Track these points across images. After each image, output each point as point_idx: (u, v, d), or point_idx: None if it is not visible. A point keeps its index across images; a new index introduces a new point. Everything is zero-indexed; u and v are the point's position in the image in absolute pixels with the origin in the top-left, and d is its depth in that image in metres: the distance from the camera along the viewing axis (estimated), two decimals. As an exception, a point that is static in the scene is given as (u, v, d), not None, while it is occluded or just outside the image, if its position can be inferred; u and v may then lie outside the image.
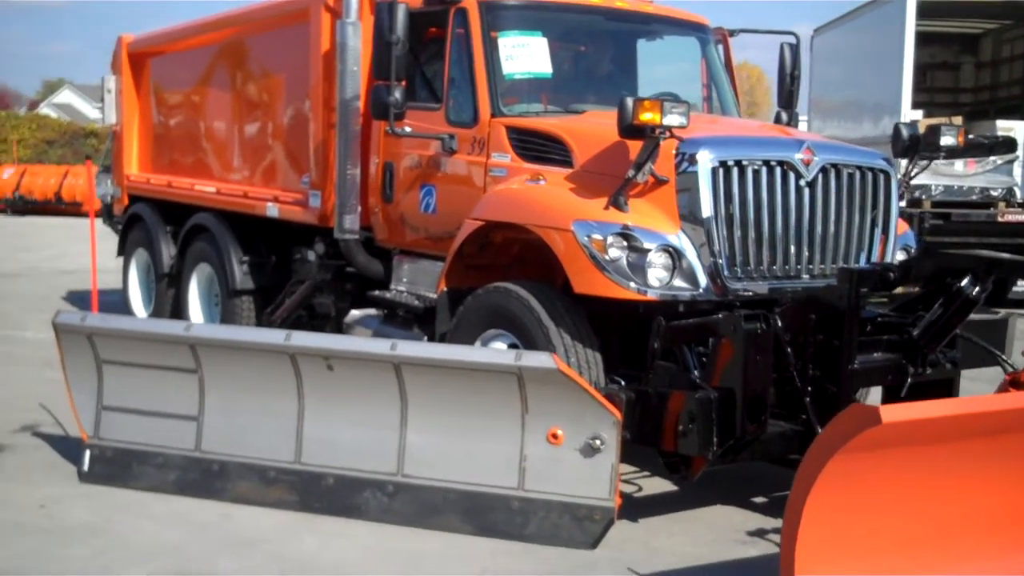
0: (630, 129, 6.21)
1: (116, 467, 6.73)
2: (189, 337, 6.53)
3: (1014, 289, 15.42)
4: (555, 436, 5.73)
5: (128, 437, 6.74)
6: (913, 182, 14.38)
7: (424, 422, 6.05)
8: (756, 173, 6.48)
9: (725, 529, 6.18)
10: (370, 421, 6.15)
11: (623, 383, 5.97)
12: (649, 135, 6.21)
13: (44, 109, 63.36)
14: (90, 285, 14.58)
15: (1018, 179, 15.71)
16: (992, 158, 15.50)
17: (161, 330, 6.89)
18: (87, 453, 6.81)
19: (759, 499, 6.70)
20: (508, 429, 5.83)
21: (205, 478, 6.51)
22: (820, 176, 6.66)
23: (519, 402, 5.76)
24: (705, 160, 6.37)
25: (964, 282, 6.04)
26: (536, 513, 5.83)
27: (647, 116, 6.08)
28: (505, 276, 7.04)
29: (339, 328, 8.53)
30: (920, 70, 17.61)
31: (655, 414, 5.83)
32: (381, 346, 6.10)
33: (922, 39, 16.33)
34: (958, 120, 16.24)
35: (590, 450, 5.65)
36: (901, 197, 7.59)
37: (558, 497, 5.79)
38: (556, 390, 5.65)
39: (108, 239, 13.05)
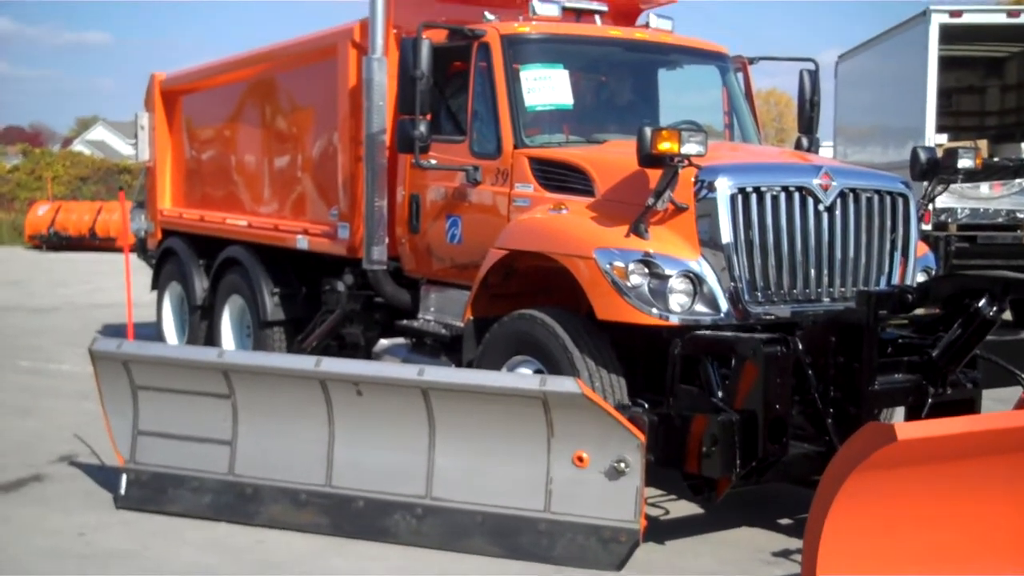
0: (649, 158, 6.32)
1: (152, 491, 6.87)
2: (222, 364, 6.68)
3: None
4: (580, 459, 5.82)
5: (163, 461, 6.88)
6: (939, 205, 14.53)
7: (452, 446, 6.16)
8: (775, 199, 6.59)
9: (750, 550, 6.26)
10: (399, 445, 6.27)
11: (646, 406, 6.06)
12: (668, 163, 6.32)
13: (78, 146, 64.05)
14: (124, 319, 14.81)
15: (1044, 202, 15.70)
16: (1018, 181, 15.49)
17: (195, 357, 7.05)
18: (123, 477, 6.95)
19: (784, 520, 6.77)
20: (534, 452, 5.93)
21: (239, 501, 6.65)
22: (839, 201, 6.76)
23: (544, 426, 5.87)
24: (724, 187, 6.48)
25: (981, 303, 6.11)
26: (563, 535, 5.92)
27: (665, 145, 6.20)
28: (530, 304, 7.16)
29: (368, 357, 8.68)
30: (945, 94, 17.64)
31: (678, 436, 5.92)
32: (409, 372, 6.23)
33: (947, 63, 16.38)
34: (983, 144, 16.25)
35: (615, 473, 5.74)
36: (921, 220, 7.66)
37: (584, 519, 5.87)
38: (581, 414, 5.74)
39: (142, 273, 13.27)
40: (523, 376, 6.11)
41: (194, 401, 6.78)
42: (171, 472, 6.85)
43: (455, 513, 6.15)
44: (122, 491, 6.93)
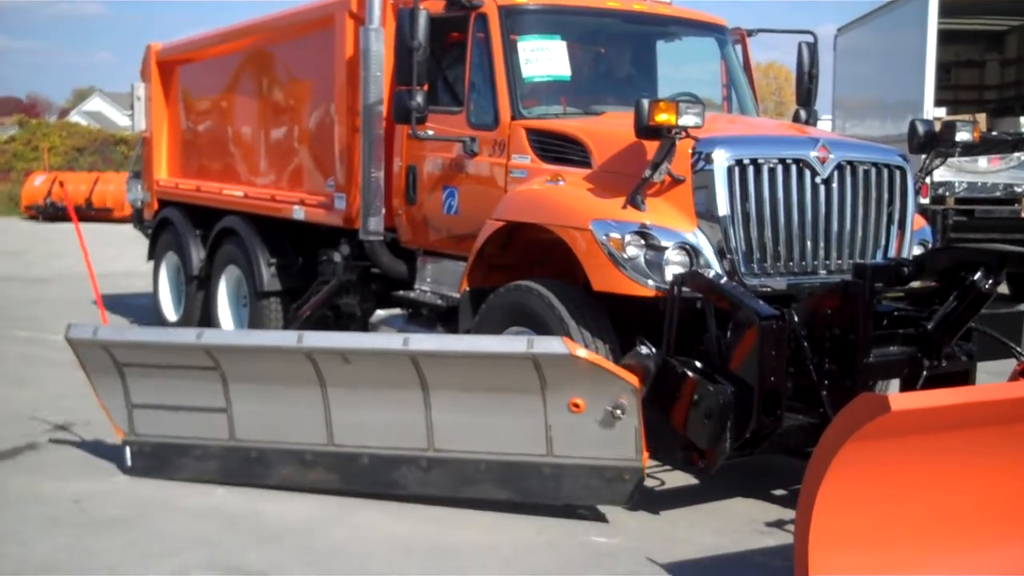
0: (646, 130, 6.32)
1: (157, 460, 6.91)
2: (202, 344, 6.65)
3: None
4: (576, 406, 5.89)
5: (163, 432, 6.90)
6: (937, 179, 14.53)
7: (447, 403, 6.21)
8: (772, 171, 6.58)
9: (744, 520, 6.29)
10: (394, 406, 6.31)
11: (653, 351, 6.02)
12: (665, 135, 6.32)
13: (75, 117, 63.81)
14: (119, 289, 14.84)
15: (1042, 176, 15.71)
16: (1016, 154, 15.50)
17: (174, 340, 6.96)
18: (127, 450, 6.98)
19: (778, 491, 6.80)
20: (530, 403, 5.98)
21: (246, 465, 6.71)
22: (836, 173, 6.75)
23: (537, 380, 5.91)
24: (721, 159, 6.48)
25: (977, 276, 6.13)
26: (568, 476, 6.04)
27: (663, 117, 6.19)
28: (526, 275, 7.16)
29: (365, 328, 8.68)
30: (945, 68, 17.61)
31: (672, 388, 5.95)
32: (394, 342, 6.24)
33: (947, 37, 16.33)
34: (982, 117, 16.24)
35: (612, 418, 5.81)
36: (919, 193, 7.65)
37: (587, 461, 5.97)
38: (572, 368, 5.80)
39: (139, 243, 13.26)
40: (510, 339, 6.12)
41: (182, 374, 6.76)
42: (173, 442, 6.88)
43: (460, 463, 6.25)
44: (128, 463, 6.95)
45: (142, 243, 13.18)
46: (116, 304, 14.47)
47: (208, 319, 10.97)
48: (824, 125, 18.37)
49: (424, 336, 6.40)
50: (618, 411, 5.78)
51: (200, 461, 6.81)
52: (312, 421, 6.51)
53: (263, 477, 6.67)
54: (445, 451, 6.27)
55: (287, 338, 6.59)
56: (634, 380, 5.78)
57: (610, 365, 5.83)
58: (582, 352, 5.80)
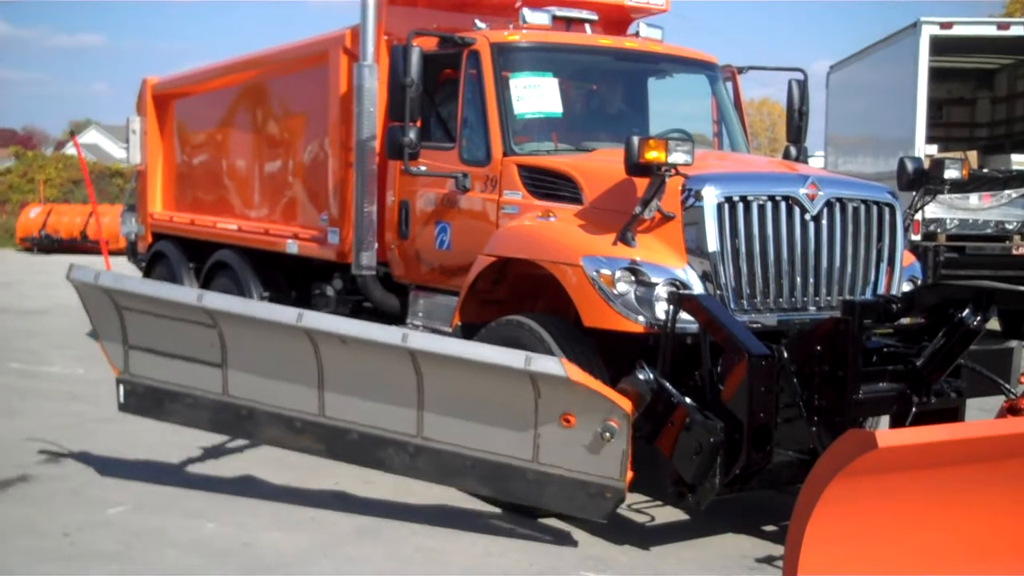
0: (636, 167, 6.37)
1: (149, 402, 7.05)
2: (202, 307, 6.66)
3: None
4: (567, 420, 5.92)
5: (157, 376, 6.99)
6: (928, 216, 14.60)
7: (440, 398, 6.25)
8: (761, 208, 6.63)
9: (734, 556, 6.29)
10: (387, 392, 6.36)
11: (651, 377, 6.02)
12: (655, 172, 6.37)
13: (70, 149, 63.92)
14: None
15: (1033, 213, 15.78)
16: (1007, 192, 15.56)
17: (174, 297, 6.89)
18: (121, 387, 7.13)
19: (769, 527, 6.79)
20: (522, 411, 6.02)
21: (236, 420, 6.83)
22: (825, 210, 6.81)
23: (532, 392, 5.95)
24: (711, 196, 6.53)
25: (965, 312, 6.17)
26: (551, 484, 6.07)
27: (652, 154, 6.25)
28: (518, 311, 7.19)
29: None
30: (936, 105, 17.72)
31: (663, 415, 5.97)
32: (393, 336, 6.22)
33: (938, 75, 16.44)
34: (973, 155, 16.32)
35: (600, 440, 5.83)
36: (909, 230, 7.69)
37: (571, 474, 6.00)
38: (567, 389, 5.84)
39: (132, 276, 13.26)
40: (509, 352, 6.11)
41: (181, 325, 6.82)
42: (166, 388, 6.97)
43: (446, 455, 6.30)
44: (121, 400, 7.09)
45: (136, 276, 13.17)
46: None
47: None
48: (817, 162, 18.48)
49: (424, 335, 6.41)
50: (607, 434, 5.80)
51: (191, 410, 6.91)
52: (305, 392, 6.56)
53: (251, 435, 6.87)
54: (433, 441, 6.31)
55: (288, 315, 6.54)
56: (627, 405, 5.80)
57: (605, 389, 5.85)
58: (578, 376, 5.82)
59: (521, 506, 6.69)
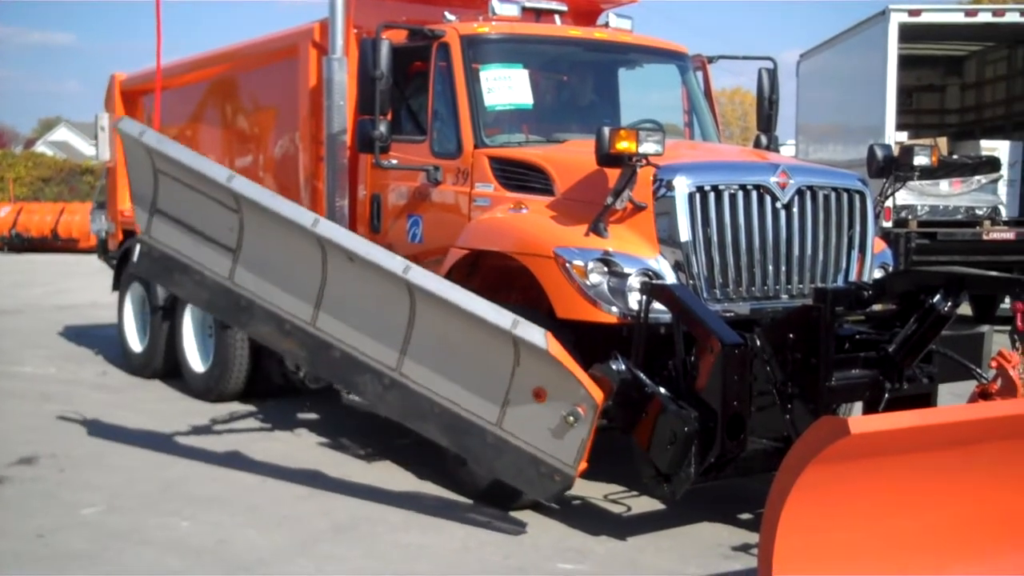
0: (607, 158, 6.38)
1: (159, 268, 7.38)
2: (229, 188, 6.85)
3: (1001, 306, 15.55)
4: (538, 394, 5.95)
5: (173, 244, 7.25)
6: (899, 202, 14.69)
7: (426, 337, 6.34)
8: (732, 197, 6.65)
9: (711, 545, 6.31)
10: (379, 319, 6.49)
11: (623, 368, 6.03)
12: (626, 163, 6.37)
13: (40, 147, 63.54)
14: (88, 320, 14.81)
15: (1003, 198, 15.90)
16: (977, 177, 15.69)
17: (206, 172, 7.03)
18: (138, 248, 7.50)
19: (745, 515, 6.82)
20: (499, 372, 6.06)
21: (234, 309, 7.09)
22: (796, 198, 6.83)
23: (512, 356, 5.98)
24: (682, 185, 6.54)
25: (936, 298, 6.20)
26: (507, 453, 6.13)
27: (623, 145, 6.25)
28: (492, 302, 7.17)
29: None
30: (906, 92, 17.83)
31: (639, 406, 5.98)
32: (396, 265, 6.31)
33: (908, 62, 16.54)
34: (943, 141, 16.43)
35: (564, 422, 5.87)
36: (880, 216, 7.72)
37: (528, 448, 6.05)
38: (545, 362, 5.86)
39: (104, 274, 13.21)
40: (500, 311, 6.11)
41: (207, 201, 7.03)
42: (178, 258, 7.23)
43: (416, 396, 6.41)
44: (135, 259, 7.45)
45: (107, 274, 13.10)
46: (81, 335, 14.41)
47: (173, 350, 10.90)
48: (788, 150, 18.54)
49: (425, 273, 6.41)
50: (571, 418, 5.83)
51: (196, 287, 7.21)
52: (304, 298, 6.73)
53: (244, 325, 7.22)
54: (408, 379, 6.41)
55: (304, 217, 6.66)
56: (599, 395, 5.82)
57: (581, 374, 5.86)
58: (558, 352, 5.83)
59: (493, 496, 6.76)
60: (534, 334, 5.85)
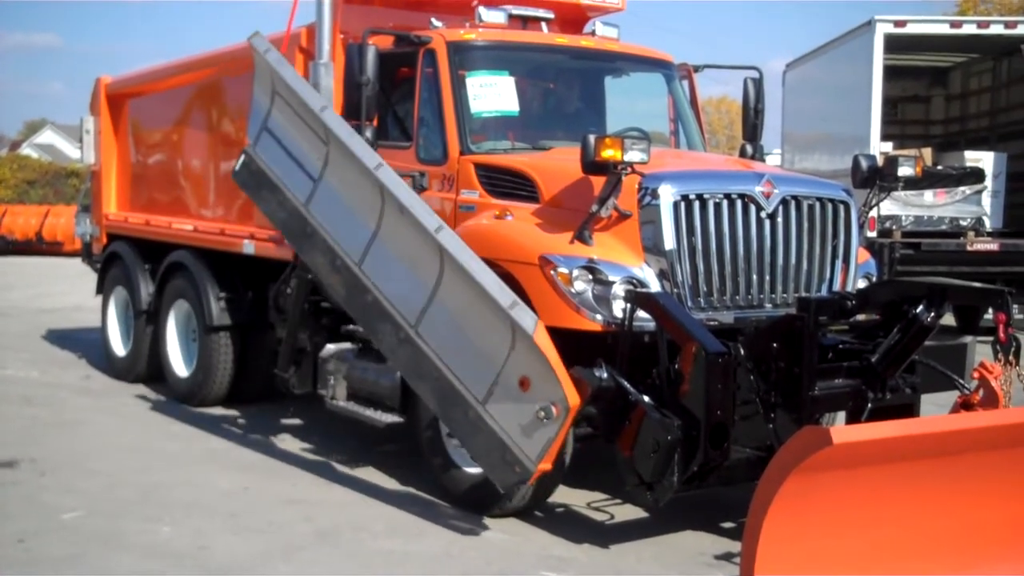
0: (593, 165, 6.39)
1: (253, 181, 8.00)
2: (320, 119, 7.31)
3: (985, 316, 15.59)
4: (523, 383, 5.98)
5: (272, 163, 7.84)
6: (884, 213, 14.73)
7: (448, 301, 6.48)
8: (717, 206, 6.66)
9: (693, 553, 6.31)
10: (414, 274, 6.70)
11: (605, 376, 6.01)
12: (611, 171, 6.39)
13: (26, 149, 63.25)
14: (69, 324, 14.76)
15: (987, 209, 15.96)
16: (961, 188, 15.75)
17: (305, 99, 7.50)
18: (243, 158, 8.08)
19: (727, 524, 6.82)
20: (497, 351, 6.11)
21: (301, 234, 7.58)
22: (780, 208, 6.84)
23: (509, 340, 6.03)
24: (667, 194, 6.55)
25: (919, 309, 6.21)
26: (483, 433, 6.20)
27: (608, 153, 6.26)
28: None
29: (315, 362, 8.62)
30: (891, 103, 17.89)
31: (622, 414, 5.98)
32: (431, 224, 6.53)
33: (893, 73, 16.60)
34: (927, 152, 16.49)
35: (538, 417, 5.90)
36: (865, 227, 7.74)
37: (501, 433, 6.10)
38: (531, 350, 5.88)
39: (89, 278, 13.16)
40: (504, 289, 6.14)
41: (306, 130, 7.53)
42: (272, 177, 7.81)
43: (424, 357, 6.58)
44: (236, 168, 8.11)
45: (92, 277, 13.05)
46: (65, 338, 14.35)
47: (157, 354, 10.87)
48: (774, 160, 18.59)
49: (454, 237, 6.52)
50: (543, 414, 5.86)
51: (277, 206, 7.77)
52: (359, 239, 7.08)
53: (304, 252, 7.62)
54: (422, 339, 6.59)
55: (371, 159, 7.01)
56: (575, 398, 5.81)
57: (561, 371, 5.85)
58: (543, 343, 5.85)
59: (476, 502, 6.80)
60: (526, 319, 5.91)
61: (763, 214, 6.77)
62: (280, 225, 7.90)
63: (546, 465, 5.96)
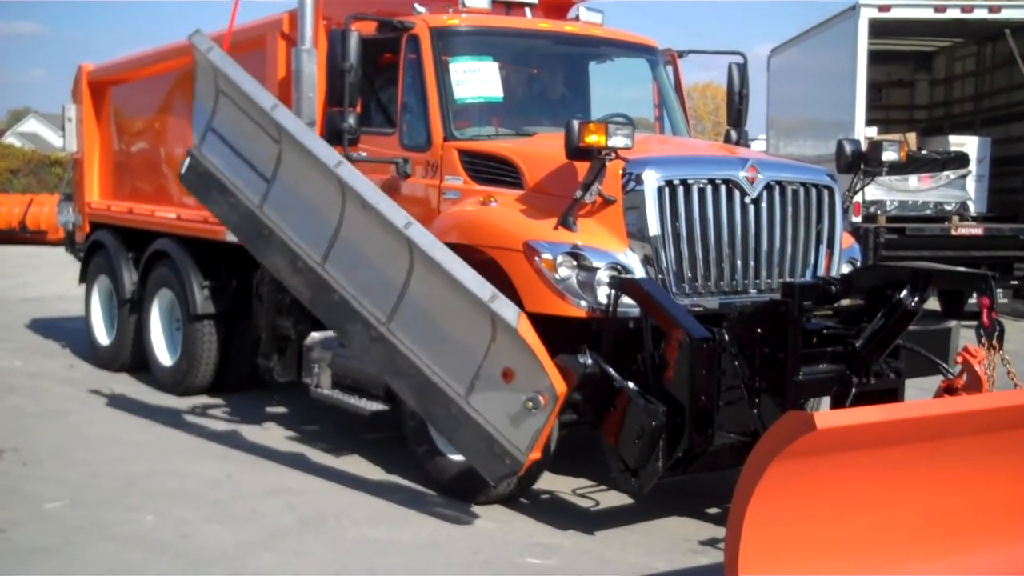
0: (577, 151, 6.37)
1: (201, 183, 7.74)
2: (272, 117, 7.16)
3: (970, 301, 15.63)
4: (506, 375, 5.95)
5: (219, 163, 7.61)
6: (868, 198, 14.76)
7: (419, 296, 6.41)
8: (701, 191, 6.64)
9: (678, 539, 6.31)
10: (381, 271, 6.60)
11: (590, 362, 6.01)
12: (595, 156, 6.36)
13: (9, 138, 62.87)
14: (52, 313, 14.70)
15: (971, 193, 16.02)
16: (945, 173, 15.78)
17: (254, 97, 7.34)
18: (188, 160, 7.81)
19: (712, 510, 6.83)
20: (476, 345, 6.07)
21: (256, 237, 7.39)
22: (764, 193, 6.83)
23: (489, 331, 5.99)
24: (651, 179, 6.53)
25: (903, 293, 6.21)
26: (467, 427, 6.16)
27: (592, 138, 6.24)
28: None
29: (300, 350, 8.60)
30: (876, 88, 17.92)
31: (607, 400, 5.98)
32: (399, 220, 6.43)
33: (877, 57, 16.61)
34: (912, 137, 16.51)
35: (525, 407, 5.87)
36: (849, 212, 7.74)
37: (487, 426, 6.06)
38: (515, 343, 5.86)
39: (72, 267, 13.09)
40: (482, 283, 6.09)
41: (255, 128, 7.35)
42: (220, 178, 7.57)
43: (398, 354, 6.50)
44: (183, 171, 7.86)
45: (75, 266, 12.98)
46: (49, 328, 14.28)
47: (141, 343, 10.83)
48: (759, 145, 18.60)
49: (425, 232, 6.44)
50: (530, 404, 5.83)
51: (229, 208, 7.54)
52: (319, 238, 6.93)
53: (261, 254, 7.42)
54: (395, 336, 6.51)
55: (330, 157, 6.87)
56: (561, 386, 5.79)
57: (547, 362, 5.83)
58: (527, 335, 5.82)
59: (462, 490, 6.77)
60: (508, 311, 5.87)
61: (747, 199, 6.76)
62: (233, 228, 7.70)
63: (536, 455, 5.95)
